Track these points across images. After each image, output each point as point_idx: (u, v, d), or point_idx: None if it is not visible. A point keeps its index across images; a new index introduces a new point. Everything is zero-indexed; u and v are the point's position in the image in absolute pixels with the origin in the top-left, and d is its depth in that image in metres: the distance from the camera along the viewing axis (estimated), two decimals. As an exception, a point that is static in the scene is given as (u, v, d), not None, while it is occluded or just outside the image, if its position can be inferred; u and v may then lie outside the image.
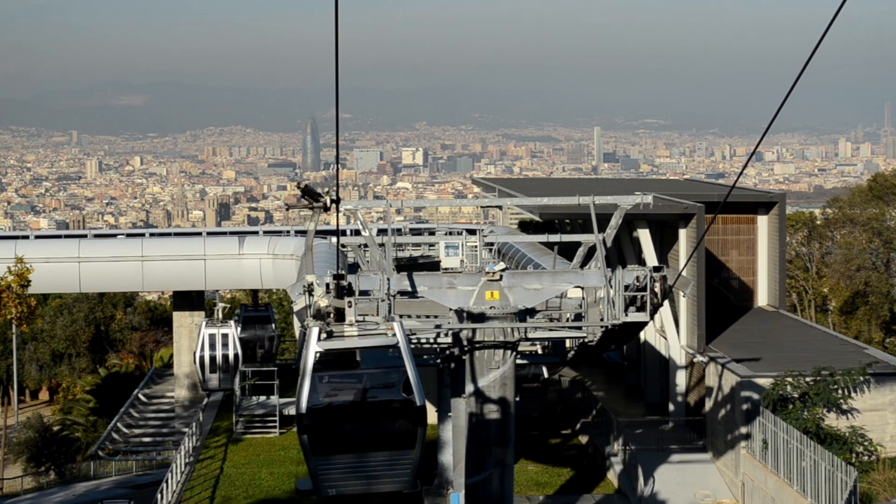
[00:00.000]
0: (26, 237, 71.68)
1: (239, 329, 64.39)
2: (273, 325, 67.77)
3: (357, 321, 25.57)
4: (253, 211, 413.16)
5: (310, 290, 27.89)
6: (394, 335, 24.55)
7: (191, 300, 69.26)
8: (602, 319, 35.17)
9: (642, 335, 58.28)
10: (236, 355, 61.73)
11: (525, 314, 35.61)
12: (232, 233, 72.90)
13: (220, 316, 63.31)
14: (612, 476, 50.56)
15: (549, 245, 48.62)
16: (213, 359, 61.60)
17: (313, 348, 24.13)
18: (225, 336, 61.86)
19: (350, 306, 25.58)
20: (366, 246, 46.91)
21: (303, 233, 69.67)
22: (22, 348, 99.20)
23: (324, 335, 24.71)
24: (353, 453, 24.60)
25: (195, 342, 68.13)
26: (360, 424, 24.43)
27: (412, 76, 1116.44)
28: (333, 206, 26.40)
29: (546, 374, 51.81)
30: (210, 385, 61.52)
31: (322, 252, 55.66)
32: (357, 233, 57.67)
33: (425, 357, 44.30)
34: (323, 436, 24.23)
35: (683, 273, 41.58)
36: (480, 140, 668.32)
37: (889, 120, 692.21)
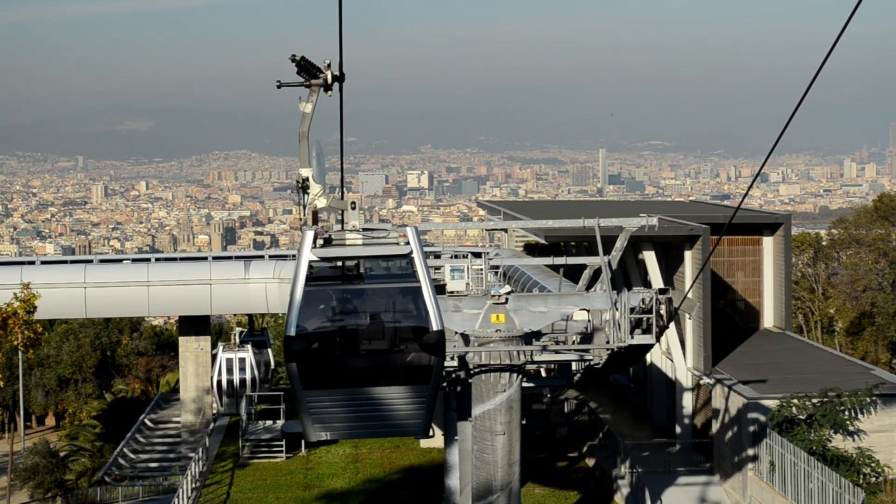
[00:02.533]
0: (32, 263, 71.65)
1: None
2: (269, 350, 67.82)
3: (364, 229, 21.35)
4: (258, 235, 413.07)
5: (303, 186, 22.56)
6: (407, 243, 20.65)
7: (196, 325, 69.19)
8: (608, 342, 35.19)
9: (648, 357, 58.24)
10: (253, 379, 61.98)
11: (531, 337, 35.62)
12: (237, 257, 72.85)
13: (237, 341, 63.53)
14: (620, 499, 50.50)
15: (555, 268, 48.63)
16: (230, 383, 61.80)
17: (306, 256, 20.32)
18: (242, 360, 62.13)
19: (354, 208, 21.48)
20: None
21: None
22: (28, 374, 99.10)
23: (320, 241, 20.78)
24: (353, 388, 20.69)
25: (201, 366, 68.27)
26: (363, 352, 20.67)
27: (417, 99, 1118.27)
28: (336, 85, 21.66)
29: (549, 395, 51.73)
30: (228, 409, 61.72)
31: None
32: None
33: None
34: (316, 364, 20.41)
35: (689, 295, 41.58)
36: (486, 163, 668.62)
37: (894, 140, 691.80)
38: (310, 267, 20.32)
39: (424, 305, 20.15)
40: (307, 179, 22.29)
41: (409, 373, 20.51)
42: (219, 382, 62.24)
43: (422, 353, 20.38)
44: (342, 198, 22.98)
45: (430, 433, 20.99)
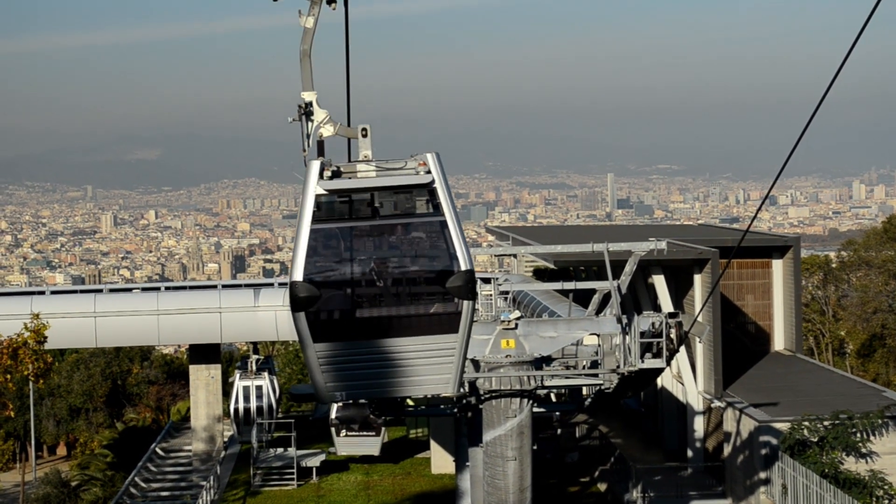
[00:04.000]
0: (42, 293, 71.78)
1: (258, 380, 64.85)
2: (274, 378, 67.69)
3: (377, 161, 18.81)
4: (268, 263, 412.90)
5: (306, 112, 20.20)
6: (428, 172, 18.27)
7: (207, 353, 69.19)
8: (618, 366, 35.17)
9: (659, 381, 58.15)
10: (270, 406, 61.99)
11: (541, 362, 35.62)
12: (247, 285, 72.91)
13: (254, 368, 63.60)
14: (632, 523, 50.36)
15: (565, 292, 48.62)
16: (247, 410, 61.84)
17: (312, 190, 18.08)
18: (259, 388, 62.19)
19: (365, 135, 19.02)
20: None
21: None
22: (39, 404, 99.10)
23: (327, 173, 18.37)
24: (371, 340, 18.24)
25: (211, 395, 68.25)
26: (380, 298, 18.28)
27: (424, 124, 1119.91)
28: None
29: (559, 418, 51.64)
30: (246, 437, 61.77)
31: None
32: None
33: (442, 406, 44.35)
34: (326, 314, 18.08)
35: (699, 319, 41.57)
36: (494, 188, 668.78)
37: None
38: (317, 203, 17.98)
39: (450, 242, 17.86)
40: (310, 104, 20.06)
41: (435, 321, 18.24)
42: (236, 410, 62.35)
43: (449, 298, 18.10)
44: (349, 124, 20.54)
45: (461, 390, 18.95)
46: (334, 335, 18.20)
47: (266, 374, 63.85)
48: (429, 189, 18.07)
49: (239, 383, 62.07)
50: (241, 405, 62.05)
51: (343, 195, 18.35)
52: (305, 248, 17.73)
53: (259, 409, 62.61)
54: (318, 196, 17.95)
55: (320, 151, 19.21)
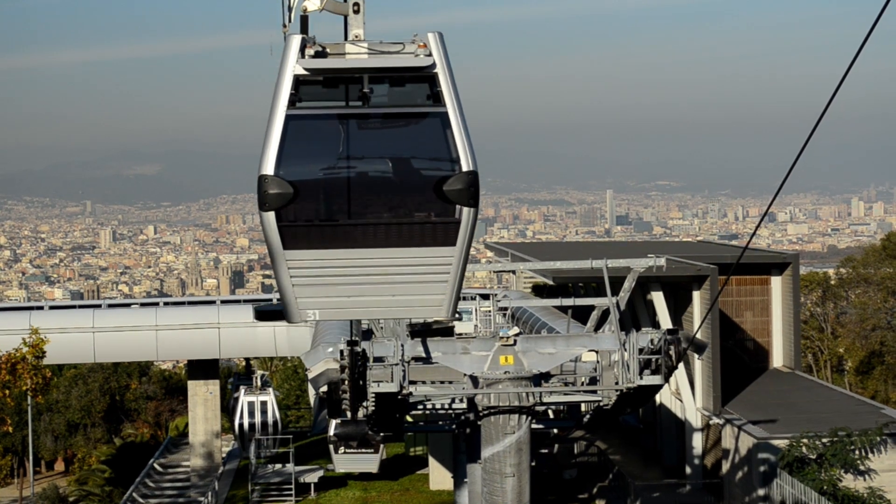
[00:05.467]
0: (41, 308, 71.85)
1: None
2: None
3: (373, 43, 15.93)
4: (267, 278, 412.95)
5: None
6: (428, 54, 15.58)
7: (205, 369, 69.23)
8: (617, 383, 35.15)
9: (658, 398, 58.11)
10: (275, 422, 62.04)
11: (540, 378, 35.61)
12: (246, 301, 73.02)
13: (258, 383, 63.67)
14: (630, 540, 50.31)
15: (563, 309, 48.65)
16: (251, 426, 61.88)
17: (290, 68, 15.41)
18: (263, 403, 62.24)
19: (357, 11, 16.36)
20: (379, 312, 46.79)
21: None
22: (37, 419, 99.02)
23: (310, 51, 15.72)
24: (352, 249, 15.66)
25: (210, 410, 68.25)
26: (367, 199, 15.66)
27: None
28: None
29: (555, 433, 51.60)
30: (250, 453, 61.82)
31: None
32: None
33: (441, 423, 44.32)
34: (301, 215, 15.61)
35: (698, 335, 41.58)
36: (493, 204, 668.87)
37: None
38: (295, 86, 15.38)
39: (451, 138, 15.53)
40: None
41: (429, 231, 15.75)
42: (240, 426, 62.40)
43: (447, 204, 15.69)
44: None
45: (457, 315, 15.83)
46: (309, 242, 15.68)
47: (270, 389, 64.00)
48: (428, 75, 15.48)
49: (244, 398, 62.13)
50: (245, 420, 62.08)
51: (326, 77, 15.64)
52: (279, 136, 15.26)
53: (264, 424, 62.64)
54: (297, 77, 15.30)
55: (303, 29, 16.08)
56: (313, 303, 15.97)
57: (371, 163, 15.86)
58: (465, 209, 15.62)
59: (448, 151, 15.54)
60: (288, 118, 15.29)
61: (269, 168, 15.34)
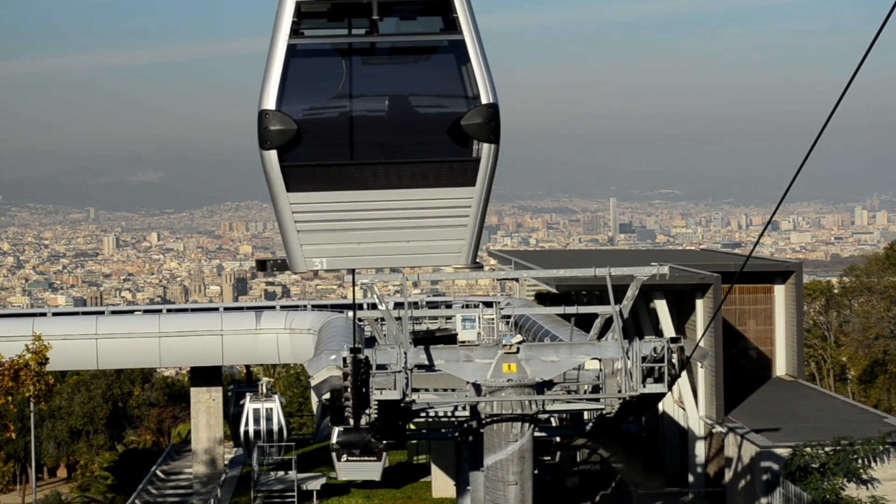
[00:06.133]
0: (44, 314, 71.89)
1: (232, 406, 65.19)
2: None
3: None
4: (270, 286, 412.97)
5: None
6: None
7: (208, 376, 69.23)
8: (620, 391, 35.13)
9: (661, 406, 58.07)
10: (281, 429, 62.00)
11: (542, 386, 35.61)
12: (249, 308, 73.06)
13: (265, 390, 63.64)
14: (633, 549, 50.26)
15: (566, 317, 48.64)
16: (257, 433, 61.85)
17: None
18: (269, 410, 62.20)
19: None
20: (382, 320, 46.94)
21: (320, 307, 69.80)
22: (40, 425, 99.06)
23: None
24: (362, 191, 14.22)
25: (213, 417, 68.25)
26: (377, 137, 14.29)
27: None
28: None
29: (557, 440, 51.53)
30: (257, 460, 61.77)
31: (339, 326, 55.72)
32: (373, 307, 57.83)
33: (444, 430, 44.29)
34: (306, 154, 14.12)
35: (701, 344, 41.59)
36: (496, 212, 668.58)
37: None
38: (297, 13, 14.10)
39: (469, 69, 14.07)
40: None
41: (446, 170, 14.33)
42: (245, 433, 62.34)
43: (465, 141, 14.20)
44: None
45: (478, 260, 14.44)
46: (314, 183, 14.28)
47: (276, 396, 63.98)
48: (442, 2, 14.13)
49: (249, 406, 62.10)
50: (251, 427, 62.06)
51: (331, 7, 14.46)
52: (280, 68, 13.89)
53: (269, 431, 62.60)
54: (298, 4, 14.01)
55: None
56: (319, 250, 14.59)
57: (382, 97, 14.42)
58: (486, 145, 14.09)
59: (466, 83, 14.14)
60: (290, 49, 13.93)
61: (269, 102, 13.92)
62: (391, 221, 14.47)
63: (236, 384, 72.80)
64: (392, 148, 14.33)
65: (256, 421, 62.33)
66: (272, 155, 14.03)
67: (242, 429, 62.42)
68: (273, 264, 14.92)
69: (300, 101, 14.08)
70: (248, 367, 75.14)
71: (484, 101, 13.96)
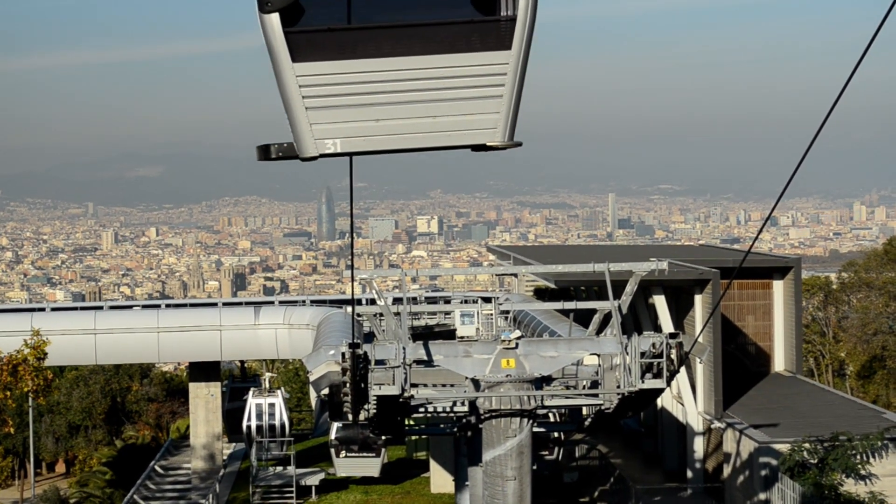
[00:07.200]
0: (42, 309, 71.84)
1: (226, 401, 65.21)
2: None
3: None
4: (268, 281, 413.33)
5: None
6: None
7: (207, 371, 69.25)
8: (618, 386, 35.12)
9: (659, 401, 58.11)
10: (283, 425, 61.97)
11: (541, 382, 35.61)
12: (248, 303, 73.05)
13: (268, 386, 63.62)
14: (631, 544, 50.27)
15: (565, 312, 48.66)
16: (259, 428, 61.84)
17: None
18: (272, 405, 62.17)
19: None
20: (381, 315, 46.95)
21: (319, 302, 69.83)
22: (38, 420, 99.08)
23: None
24: (378, 59, 11.99)
25: (211, 412, 68.24)
26: None
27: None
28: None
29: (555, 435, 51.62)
30: (259, 455, 61.76)
31: (337, 322, 55.72)
32: (372, 302, 57.84)
33: (442, 426, 44.28)
34: (313, 18, 11.95)
35: (699, 339, 41.60)
36: (495, 208, 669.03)
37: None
38: None
39: None
40: None
41: (476, 32, 12.12)
42: (248, 428, 62.29)
43: None
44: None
45: (516, 140, 12.31)
46: (324, 51, 12.08)
47: (279, 391, 63.97)
48: None
49: (252, 401, 62.06)
50: (253, 423, 62.03)
51: None
52: None
53: (272, 426, 62.57)
54: None
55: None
56: (332, 130, 12.15)
57: None
58: (522, 1, 11.95)
59: None
60: None
61: None
62: (414, 94, 12.16)
63: (230, 380, 72.77)
64: (414, 8, 12.26)
65: (259, 416, 62.33)
66: (274, 19, 11.77)
67: (245, 424, 62.41)
68: (278, 149, 12.10)
69: None
70: (242, 363, 75.09)
71: None
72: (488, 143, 12.02)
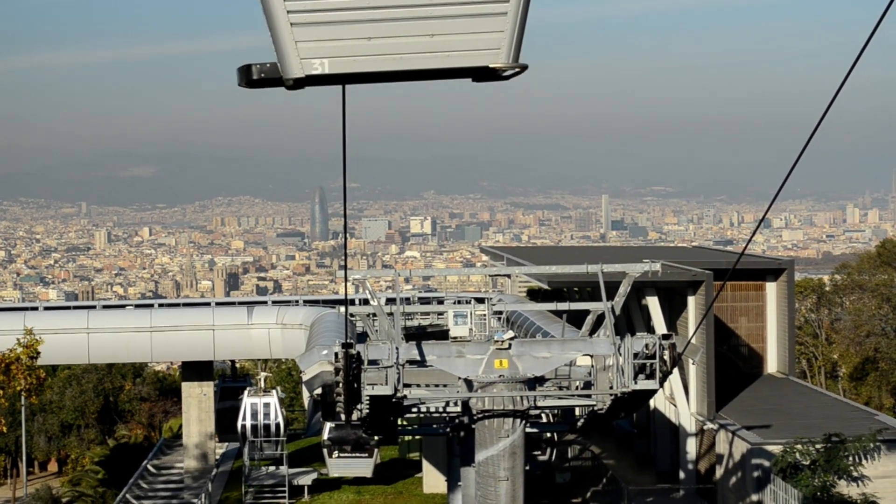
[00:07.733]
0: (35, 308, 71.79)
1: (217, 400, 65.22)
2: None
3: None
4: (261, 281, 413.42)
5: None
6: None
7: (199, 370, 69.22)
8: (611, 387, 35.12)
9: (652, 403, 58.13)
10: (278, 424, 61.92)
11: (534, 382, 35.60)
12: (241, 303, 73.03)
13: (264, 385, 63.57)
14: (623, 545, 50.28)
15: (558, 313, 48.68)
16: (254, 427, 61.78)
17: None
18: (267, 405, 62.11)
19: None
20: (374, 315, 46.95)
21: (312, 302, 69.83)
22: (31, 419, 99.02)
23: None
24: None
25: (204, 412, 68.19)
26: None
27: (421, 145, 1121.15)
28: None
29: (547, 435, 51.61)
30: (255, 455, 61.70)
31: (330, 322, 55.69)
32: (366, 302, 57.76)
33: (435, 426, 44.27)
34: None
35: (692, 340, 41.59)
36: (489, 208, 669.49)
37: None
38: None
39: None
40: None
41: None
42: (243, 427, 62.23)
43: None
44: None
45: (521, 63, 10.76)
46: None
47: (275, 391, 63.91)
48: None
49: (247, 400, 61.99)
50: (248, 422, 61.96)
51: None
52: None
53: (267, 426, 62.51)
54: None
55: None
56: (319, 48, 10.80)
57: None
58: None
59: None
60: None
61: None
62: (410, 10, 10.80)
63: (221, 379, 72.66)
64: None
65: (254, 415, 62.29)
66: None
67: (240, 423, 62.36)
68: (260, 70, 10.80)
69: None
70: (233, 362, 75.03)
71: None
72: (491, 65, 10.78)
